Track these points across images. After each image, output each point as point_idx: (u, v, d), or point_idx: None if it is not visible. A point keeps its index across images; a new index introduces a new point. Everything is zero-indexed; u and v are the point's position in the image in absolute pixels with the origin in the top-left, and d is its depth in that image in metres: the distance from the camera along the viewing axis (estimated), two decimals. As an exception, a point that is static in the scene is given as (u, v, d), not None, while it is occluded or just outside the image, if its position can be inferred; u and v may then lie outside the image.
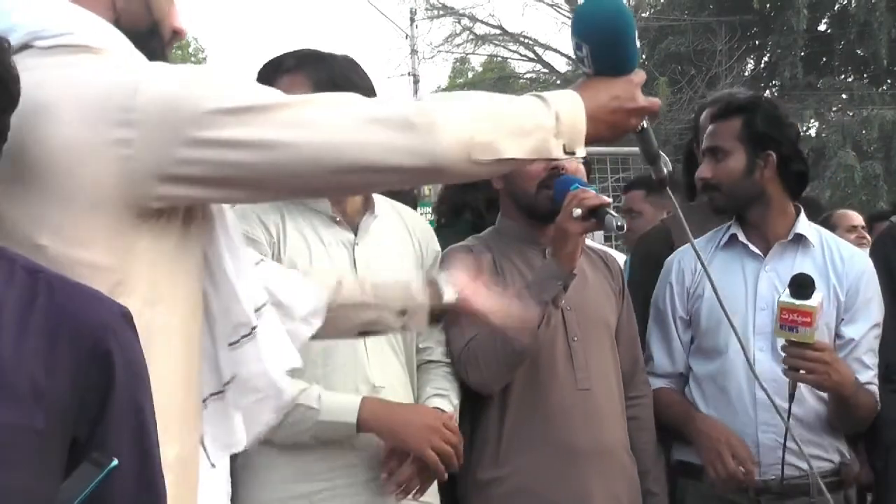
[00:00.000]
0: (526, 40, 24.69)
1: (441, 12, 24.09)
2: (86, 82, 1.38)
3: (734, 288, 2.81)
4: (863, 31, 20.60)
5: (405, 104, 1.48)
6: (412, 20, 22.18)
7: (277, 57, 2.51)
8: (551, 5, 24.11)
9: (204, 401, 1.55)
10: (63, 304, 1.23)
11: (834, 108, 21.08)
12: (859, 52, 21.64)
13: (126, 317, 1.27)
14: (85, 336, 1.21)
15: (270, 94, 1.45)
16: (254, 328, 1.56)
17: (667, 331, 2.90)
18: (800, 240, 2.85)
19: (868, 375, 2.78)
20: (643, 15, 23.37)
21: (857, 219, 5.23)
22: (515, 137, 1.53)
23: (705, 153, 2.86)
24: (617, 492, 2.65)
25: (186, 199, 1.44)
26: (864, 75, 22.19)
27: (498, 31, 24.46)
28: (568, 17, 24.30)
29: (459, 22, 24.48)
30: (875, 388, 2.79)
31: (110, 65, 1.41)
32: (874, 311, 2.83)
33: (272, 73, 2.45)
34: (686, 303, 2.88)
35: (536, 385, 2.61)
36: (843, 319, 2.81)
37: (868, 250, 3.23)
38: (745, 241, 2.85)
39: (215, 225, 1.54)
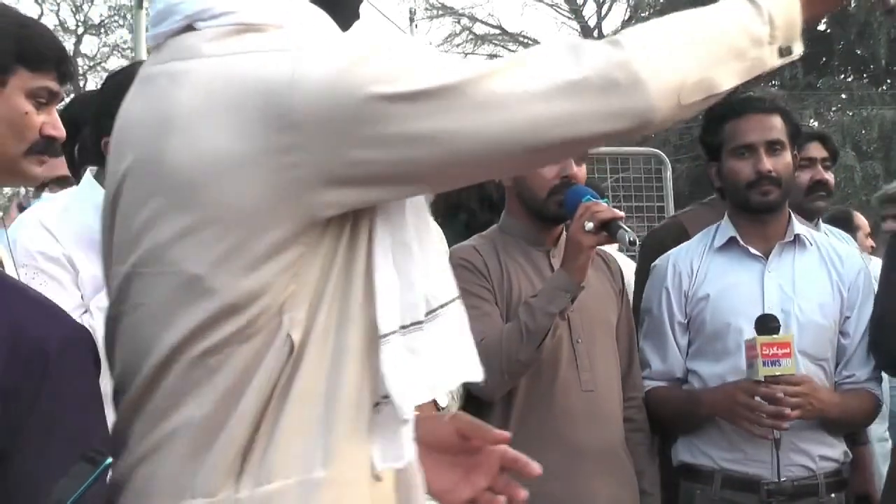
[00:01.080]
0: (525, 40, 24.70)
1: (440, 12, 24.13)
2: (237, 79, 1.20)
3: (739, 290, 2.79)
4: (862, 31, 20.60)
5: (599, 55, 1.25)
6: (412, 20, 22.21)
7: None
8: (551, 5, 24.15)
9: (376, 405, 1.33)
10: (9, 314, 1.15)
11: (834, 108, 21.08)
12: (859, 52, 21.64)
13: (80, 338, 1.18)
14: (22, 348, 1.14)
15: (450, 70, 1.22)
16: (385, 335, 1.29)
17: (663, 336, 2.86)
18: (795, 240, 2.84)
19: (867, 371, 2.80)
20: (643, 15, 23.36)
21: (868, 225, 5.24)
22: (728, 63, 1.32)
23: (761, 146, 2.76)
24: (619, 492, 2.65)
25: (360, 202, 1.25)
26: (864, 75, 22.19)
27: (497, 31, 24.49)
28: (567, 17, 24.34)
29: (459, 22, 24.54)
30: (874, 385, 2.81)
31: (270, 48, 1.23)
32: (870, 306, 2.84)
33: None
34: (685, 307, 2.85)
35: (540, 387, 2.60)
36: (847, 317, 2.82)
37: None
38: (745, 244, 2.83)
39: (382, 220, 1.31)
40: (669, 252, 2.97)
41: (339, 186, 1.21)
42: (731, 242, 2.85)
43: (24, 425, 1.15)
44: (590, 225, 2.45)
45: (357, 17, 1.40)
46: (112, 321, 1.30)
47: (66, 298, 2.07)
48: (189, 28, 1.30)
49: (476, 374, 1.39)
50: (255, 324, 1.22)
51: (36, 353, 1.15)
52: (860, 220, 5.15)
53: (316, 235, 1.23)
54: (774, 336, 2.58)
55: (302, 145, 1.18)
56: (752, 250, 2.82)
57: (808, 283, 2.80)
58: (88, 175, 2.26)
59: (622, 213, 2.53)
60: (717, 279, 2.82)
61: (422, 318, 1.32)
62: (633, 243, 2.43)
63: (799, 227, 2.86)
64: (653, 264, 2.98)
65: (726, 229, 2.87)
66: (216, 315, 1.21)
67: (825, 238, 2.96)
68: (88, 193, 2.21)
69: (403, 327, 1.30)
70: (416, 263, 1.31)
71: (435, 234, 1.38)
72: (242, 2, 1.28)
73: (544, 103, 1.22)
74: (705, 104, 1.33)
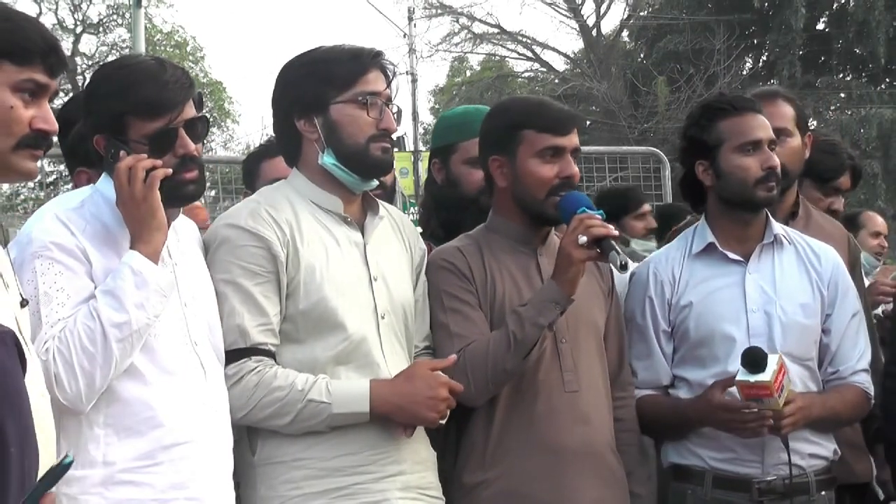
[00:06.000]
0: (524, 39, 24.70)
1: (439, 11, 24.12)
2: None
3: (721, 296, 2.78)
4: (861, 30, 20.61)
5: None
6: (410, 19, 22.19)
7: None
8: (549, 4, 24.12)
9: None
10: None
11: (832, 107, 21.11)
12: (857, 50, 21.66)
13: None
14: None
15: None
16: None
17: (648, 345, 2.85)
18: (774, 240, 2.84)
19: (853, 362, 2.80)
20: (641, 14, 23.36)
21: (883, 226, 4.95)
22: None
23: (766, 143, 2.77)
24: (604, 493, 2.61)
25: None
26: (863, 74, 22.19)
27: (496, 30, 24.48)
28: (566, 16, 24.35)
29: (457, 21, 24.53)
30: (863, 376, 2.80)
31: None
32: (852, 300, 2.84)
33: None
34: (668, 315, 2.84)
35: (523, 388, 2.57)
36: (828, 315, 2.82)
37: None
38: (723, 248, 2.81)
39: None
40: (648, 259, 2.96)
41: None
42: (710, 248, 2.83)
43: None
44: (583, 239, 2.40)
45: None
46: None
47: (79, 287, 2.10)
48: None
49: None
50: None
51: None
52: (868, 220, 4.87)
53: None
54: (751, 380, 2.53)
55: None
56: (731, 255, 2.81)
57: (789, 284, 2.79)
58: (105, 176, 2.26)
59: (616, 231, 2.47)
60: (699, 286, 2.81)
61: None
62: (623, 267, 2.37)
63: (777, 227, 2.85)
64: (631, 272, 2.92)
65: (703, 234, 2.86)
66: None
67: (796, 234, 2.93)
68: (104, 191, 2.23)
69: None
70: None
71: None
72: None
73: None
74: None
